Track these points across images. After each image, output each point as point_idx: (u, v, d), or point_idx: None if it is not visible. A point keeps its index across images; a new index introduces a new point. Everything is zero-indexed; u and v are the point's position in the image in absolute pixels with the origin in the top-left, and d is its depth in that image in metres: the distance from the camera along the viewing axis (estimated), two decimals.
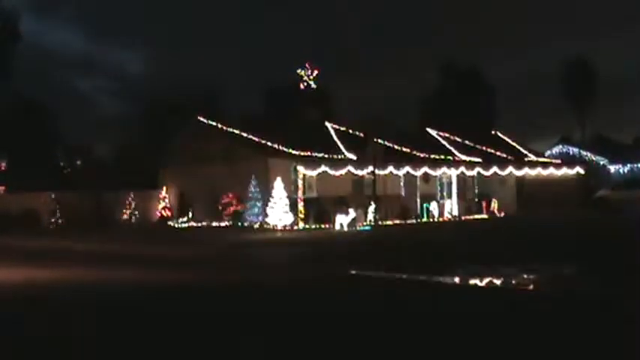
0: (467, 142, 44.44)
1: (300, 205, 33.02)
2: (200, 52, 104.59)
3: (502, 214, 40.23)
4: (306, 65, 46.18)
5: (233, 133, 36.89)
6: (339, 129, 40.68)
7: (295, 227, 32.23)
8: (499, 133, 50.52)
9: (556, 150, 57.15)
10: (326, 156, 34.77)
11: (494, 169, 40.20)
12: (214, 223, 35.36)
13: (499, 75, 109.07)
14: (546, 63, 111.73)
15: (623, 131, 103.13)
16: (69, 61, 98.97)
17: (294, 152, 34.29)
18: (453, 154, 40.96)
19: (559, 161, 46.85)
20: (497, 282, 13.74)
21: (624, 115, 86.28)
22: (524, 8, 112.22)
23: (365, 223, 32.96)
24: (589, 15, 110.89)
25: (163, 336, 8.70)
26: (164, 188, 39.32)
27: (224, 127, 37.39)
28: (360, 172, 34.88)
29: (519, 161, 42.95)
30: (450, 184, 40.10)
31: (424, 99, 68.88)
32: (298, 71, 46.19)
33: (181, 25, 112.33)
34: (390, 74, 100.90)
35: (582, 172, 44.45)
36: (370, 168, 33.54)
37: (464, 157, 40.61)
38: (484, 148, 44.11)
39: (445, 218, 37.85)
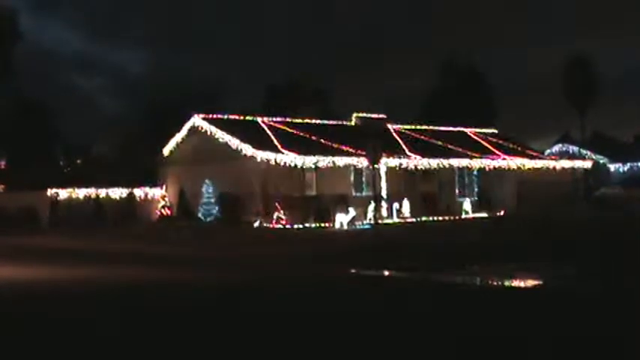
0: (467, 140, 44.38)
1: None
2: (200, 52, 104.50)
3: (502, 213, 40.17)
4: (305, 64, 46.21)
5: (233, 131, 36.80)
6: (338, 128, 40.61)
7: (295, 226, 32.20)
8: (499, 132, 50.46)
9: (556, 148, 57.05)
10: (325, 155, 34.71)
11: (494, 167, 40.16)
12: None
13: (499, 74, 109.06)
14: (546, 63, 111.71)
15: (623, 130, 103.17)
16: (69, 60, 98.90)
17: (293, 151, 34.19)
18: (453, 153, 40.87)
19: (559, 160, 46.77)
20: (499, 281, 13.71)
21: (624, 113, 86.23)
22: (524, 8, 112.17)
23: (365, 222, 32.93)
24: (589, 15, 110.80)
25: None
26: (164, 187, 39.26)
27: (224, 126, 37.31)
28: (359, 170, 34.87)
29: (519, 160, 42.87)
30: (449, 182, 40.00)
31: (424, 98, 68.81)
32: (298, 70, 46.23)
33: (181, 25, 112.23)
34: (390, 74, 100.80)
35: (582, 170, 44.39)
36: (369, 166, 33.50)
37: (464, 156, 40.54)
38: (484, 146, 44.05)
39: (445, 216, 37.79)
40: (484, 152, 42.57)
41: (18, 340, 8.40)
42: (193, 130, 38.65)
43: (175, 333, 8.69)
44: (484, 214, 39.57)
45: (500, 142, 45.69)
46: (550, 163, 43.95)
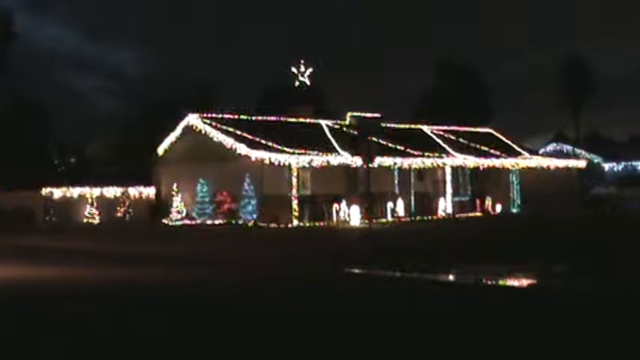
0: (461, 139, 44.42)
1: (294, 203, 33.01)
2: (198, 51, 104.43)
3: (496, 212, 40.26)
4: (300, 63, 46.10)
5: (228, 131, 36.78)
6: (333, 127, 40.60)
7: (290, 225, 32.23)
8: (494, 131, 50.51)
9: (550, 147, 57.19)
10: (320, 154, 34.71)
11: (488, 166, 40.26)
12: (209, 221, 35.32)
13: (496, 73, 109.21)
14: (544, 62, 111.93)
15: (618, 129, 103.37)
16: (65, 59, 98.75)
17: (288, 150, 34.20)
18: (448, 152, 40.95)
19: (553, 159, 46.84)
20: (492, 280, 13.75)
21: (619, 113, 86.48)
22: (524, 8, 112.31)
23: (359, 221, 32.96)
24: (589, 15, 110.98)
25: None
26: (159, 186, 39.23)
27: (219, 125, 37.27)
28: (353, 168, 34.93)
29: (514, 159, 42.93)
30: (444, 181, 40.12)
31: (421, 97, 68.83)
32: (293, 69, 46.15)
33: (180, 24, 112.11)
34: (389, 73, 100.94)
35: (576, 170, 44.47)
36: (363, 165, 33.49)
37: (458, 155, 40.61)
38: (479, 145, 44.10)
39: (439, 216, 37.88)
40: (479, 151, 42.62)
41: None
42: (188, 129, 38.60)
43: (172, 330, 8.73)
44: (478, 214, 39.66)
45: (495, 140, 45.73)
46: (544, 162, 44.00)
